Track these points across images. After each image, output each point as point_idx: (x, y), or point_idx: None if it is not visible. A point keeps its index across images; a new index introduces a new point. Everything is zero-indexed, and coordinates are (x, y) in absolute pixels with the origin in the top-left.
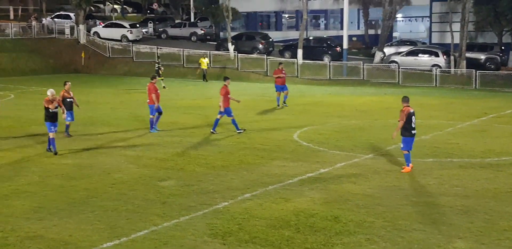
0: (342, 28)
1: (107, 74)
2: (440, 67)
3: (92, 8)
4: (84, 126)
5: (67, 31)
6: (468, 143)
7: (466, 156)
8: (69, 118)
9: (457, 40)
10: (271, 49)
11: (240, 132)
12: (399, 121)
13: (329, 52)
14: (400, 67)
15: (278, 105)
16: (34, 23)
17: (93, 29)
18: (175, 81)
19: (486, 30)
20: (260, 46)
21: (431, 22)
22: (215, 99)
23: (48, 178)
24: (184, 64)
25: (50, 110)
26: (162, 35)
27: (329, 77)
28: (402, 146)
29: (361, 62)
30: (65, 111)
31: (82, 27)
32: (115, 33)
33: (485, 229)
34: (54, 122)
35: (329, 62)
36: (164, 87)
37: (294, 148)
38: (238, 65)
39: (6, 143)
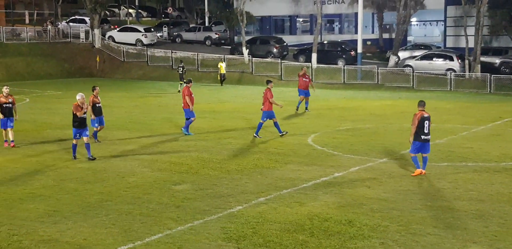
0: (356, 32)
1: (122, 78)
2: (454, 71)
3: (107, 12)
4: None
5: (82, 35)
6: (483, 147)
7: (481, 160)
8: (96, 124)
9: (471, 44)
10: (285, 53)
11: (283, 134)
12: (412, 125)
13: (344, 56)
14: (415, 71)
15: (297, 109)
16: (49, 27)
17: (108, 34)
18: None
19: (501, 34)
20: (275, 50)
21: (445, 26)
22: (229, 103)
23: (62, 182)
24: (199, 68)
25: (78, 116)
26: (177, 39)
27: (344, 81)
28: (410, 149)
29: (376, 66)
30: (94, 117)
31: (97, 31)
32: (130, 37)
33: (500, 234)
34: (82, 128)
35: (344, 66)
36: (179, 91)
37: (308, 152)
38: (252, 69)
39: (21, 146)
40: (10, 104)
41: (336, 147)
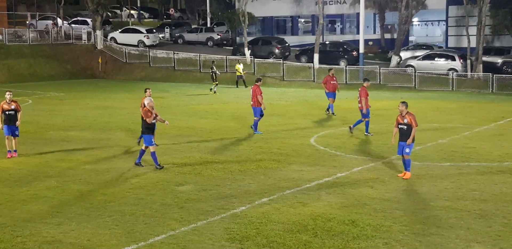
0: (358, 33)
1: (124, 79)
2: (456, 71)
3: (109, 13)
4: (101, 131)
5: (84, 36)
6: (485, 147)
7: (483, 160)
8: None
9: (473, 44)
10: (287, 53)
11: (368, 135)
12: (414, 127)
13: (346, 56)
14: (417, 71)
15: (333, 113)
16: (53, 29)
17: (110, 35)
18: (192, 86)
19: (503, 33)
20: (277, 51)
21: (447, 26)
22: (232, 104)
23: (66, 183)
24: (201, 69)
25: (148, 122)
26: (179, 41)
27: (346, 81)
28: (408, 150)
29: (378, 66)
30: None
31: (99, 32)
32: (132, 38)
33: (503, 233)
34: (154, 134)
35: (346, 66)
36: (214, 92)
37: (311, 152)
38: (254, 70)
39: (24, 148)
40: (13, 111)
41: (339, 147)
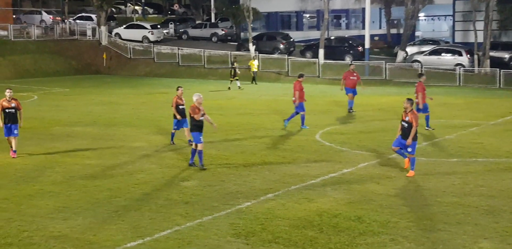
0: (364, 28)
1: (128, 75)
2: (463, 66)
3: (113, 9)
4: (106, 126)
5: (89, 32)
6: (493, 143)
7: (491, 155)
8: (175, 127)
9: (480, 39)
10: (292, 49)
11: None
12: (414, 126)
13: (351, 52)
14: (423, 67)
15: (351, 109)
16: (60, 25)
17: (115, 31)
18: (196, 82)
19: (510, 29)
20: (281, 46)
21: (454, 21)
22: (236, 100)
23: (72, 178)
24: (205, 65)
25: (196, 119)
26: (183, 36)
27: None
28: (410, 150)
29: (383, 61)
30: (180, 117)
31: (103, 28)
32: (136, 34)
33: (511, 229)
34: (202, 131)
35: (351, 62)
36: (239, 87)
37: (316, 148)
38: (259, 66)
39: (30, 143)
40: (13, 110)
41: (344, 143)
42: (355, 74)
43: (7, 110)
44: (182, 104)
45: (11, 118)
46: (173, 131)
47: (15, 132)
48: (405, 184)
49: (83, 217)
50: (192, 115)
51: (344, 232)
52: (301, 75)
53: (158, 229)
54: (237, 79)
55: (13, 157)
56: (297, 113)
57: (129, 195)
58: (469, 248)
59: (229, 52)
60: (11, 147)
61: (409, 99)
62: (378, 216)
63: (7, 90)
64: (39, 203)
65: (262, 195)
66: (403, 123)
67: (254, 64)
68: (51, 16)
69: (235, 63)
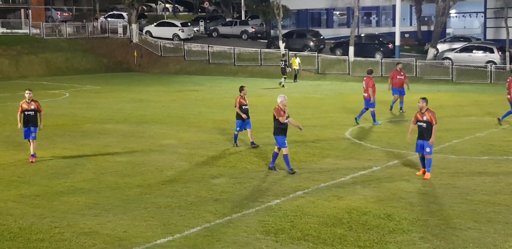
0: (394, 25)
1: (159, 72)
2: (495, 63)
3: (144, 7)
4: (137, 123)
5: (120, 30)
6: None
7: None
8: (237, 128)
9: None
10: (322, 46)
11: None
12: (434, 124)
13: (381, 49)
14: (454, 64)
15: (402, 109)
16: (95, 23)
17: (145, 28)
18: (226, 79)
19: None
20: (311, 43)
21: (485, 18)
22: (266, 97)
23: (102, 175)
24: (235, 63)
25: (281, 121)
26: (213, 34)
27: (381, 74)
28: (429, 150)
29: (414, 59)
30: (246, 117)
31: (134, 26)
32: (167, 32)
33: None
34: (286, 135)
35: (381, 59)
36: (283, 86)
37: (346, 145)
38: (288, 63)
39: (62, 140)
40: (33, 112)
41: (374, 141)
42: (402, 73)
43: (26, 112)
44: (246, 105)
45: (31, 120)
46: (236, 133)
47: (33, 135)
48: (434, 181)
49: (114, 214)
50: (276, 118)
51: (373, 230)
52: (371, 71)
53: (188, 226)
54: (285, 78)
55: (31, 162)
56: (366, 109)
57: (159, 192)
58: (500, 246)
59: (259, 49)
60: (33, 154)
61: (423, 98)
62: (408, 214)
63: (27, 92)
64: (70, 199)
65: (292, 192)
66: (421, 124)
67: (296, 62)
68: (58, 12)
69: (285, 60)
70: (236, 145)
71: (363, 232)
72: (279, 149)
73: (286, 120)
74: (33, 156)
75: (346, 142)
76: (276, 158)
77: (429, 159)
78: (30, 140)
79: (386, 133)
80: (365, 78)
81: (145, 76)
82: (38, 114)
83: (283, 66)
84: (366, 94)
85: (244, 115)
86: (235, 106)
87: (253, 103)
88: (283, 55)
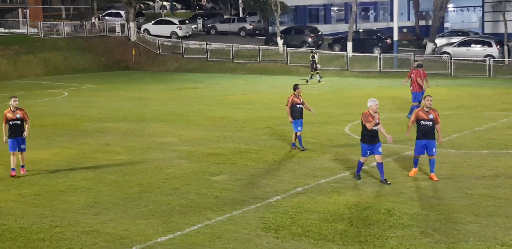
0: (392, 20)
1: (158, 70)
2: (493, 57)
3: (142, 5)
4: (136, 122)
5: (118, 29)
6: None
7: None
8: (299, 128)
9: (510, 29)
10: (320, 42)
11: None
12: (438, 123)
13: (379, 44)
14: (452, 58)
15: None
16: (96, 21)
17: (143, 27)
18: (225, 76)
19: None
20: (309, 39)
21: (483, 12)
22: (265, 94)
23: (102, 174)
24: (234, 60)
25: (369, 128)
26: (211, 31)
27: (380, 69)
28: (435, 150)
29: (412, 53)
30: (292, 119)
31: (132, 24)
32: (165, 30)
33: None
34: (374, 143)
35: (380, 54)
36: (307, 81)
37: (346, 141)
38: (287, 59)
39: (61, 139)
40: (19, 121)
41: None
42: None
43: (11, 122)
44: (300, 103)
45: (17, 131)
46: (298, 134)
47: (22, 147)
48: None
49: (114, 212)
50: (363, 124)
51: (374, 225)
52: (421, 65)
53: (189, 224)
54: (317, 73)
55: (23, 173)
56: (419, 102)
57: (159, 190)
58: (500, 240)
59: (258, 46)
60: (13, 167)
61: (430, 96)
62: (408, 209)
63: (12, 99)
64: (70, 198)
65: (292, 188)
66: (426, 122)
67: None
68: None
69: (314, 56)
70: (303, 147)
71: (363, 227)
72: (365, 159)
73: (375, 127)
74: (23, 166)
75: (345, 138)
76: (361, 167)
77: (434, 160)
78: (19, 152)
79: (385, 128)
80: (413, 71)
81: (144, 75)
82: (24, 123)
83: (311, 62)
84: (412, 87)
85: (290, 119)
86: (286, 105)
87: (252, 100)
88: (312, 51)
